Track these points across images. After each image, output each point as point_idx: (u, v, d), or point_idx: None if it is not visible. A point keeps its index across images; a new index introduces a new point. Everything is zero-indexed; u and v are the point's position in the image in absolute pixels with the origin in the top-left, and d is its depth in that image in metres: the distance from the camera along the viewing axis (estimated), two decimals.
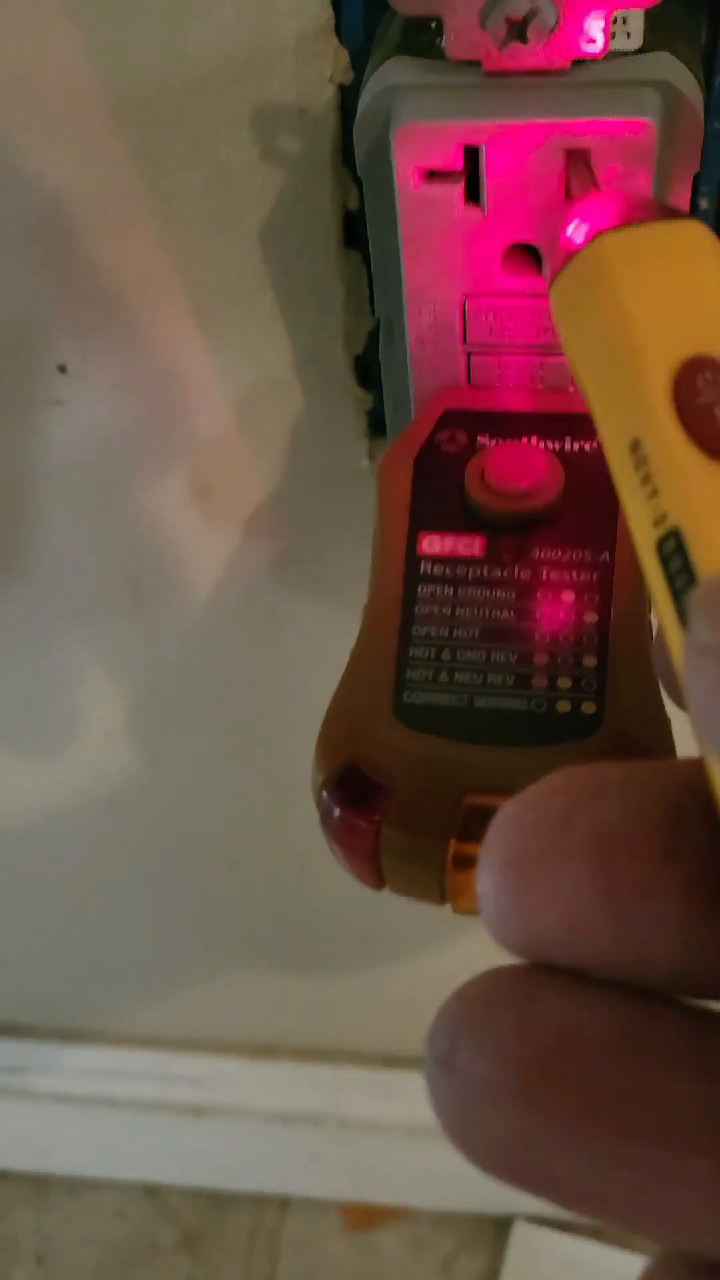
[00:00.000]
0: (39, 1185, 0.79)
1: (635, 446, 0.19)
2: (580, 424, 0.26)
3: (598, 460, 0.21)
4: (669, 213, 0.21)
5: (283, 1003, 0.65)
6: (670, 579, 0.18)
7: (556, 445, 0.26)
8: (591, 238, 0.20)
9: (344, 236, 0.31)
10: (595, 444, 0.21)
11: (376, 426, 0.36)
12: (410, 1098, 0.67)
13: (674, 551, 0.18)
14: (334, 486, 0.37)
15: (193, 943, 0.62)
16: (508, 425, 0.27)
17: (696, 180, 0.28)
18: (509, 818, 0.14)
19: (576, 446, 0.26)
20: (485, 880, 0.14)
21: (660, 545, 0.18)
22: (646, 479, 0.18)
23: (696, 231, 0.21)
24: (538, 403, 0.27)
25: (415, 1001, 0.58)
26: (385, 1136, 0.69)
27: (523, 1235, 0.73)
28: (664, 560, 0.18)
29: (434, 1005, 0.14)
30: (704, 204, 0.30)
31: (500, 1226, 0.74)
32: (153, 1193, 0.78)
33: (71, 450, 0.38)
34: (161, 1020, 0.69)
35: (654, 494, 0.18)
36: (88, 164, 0.30)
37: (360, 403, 0.35)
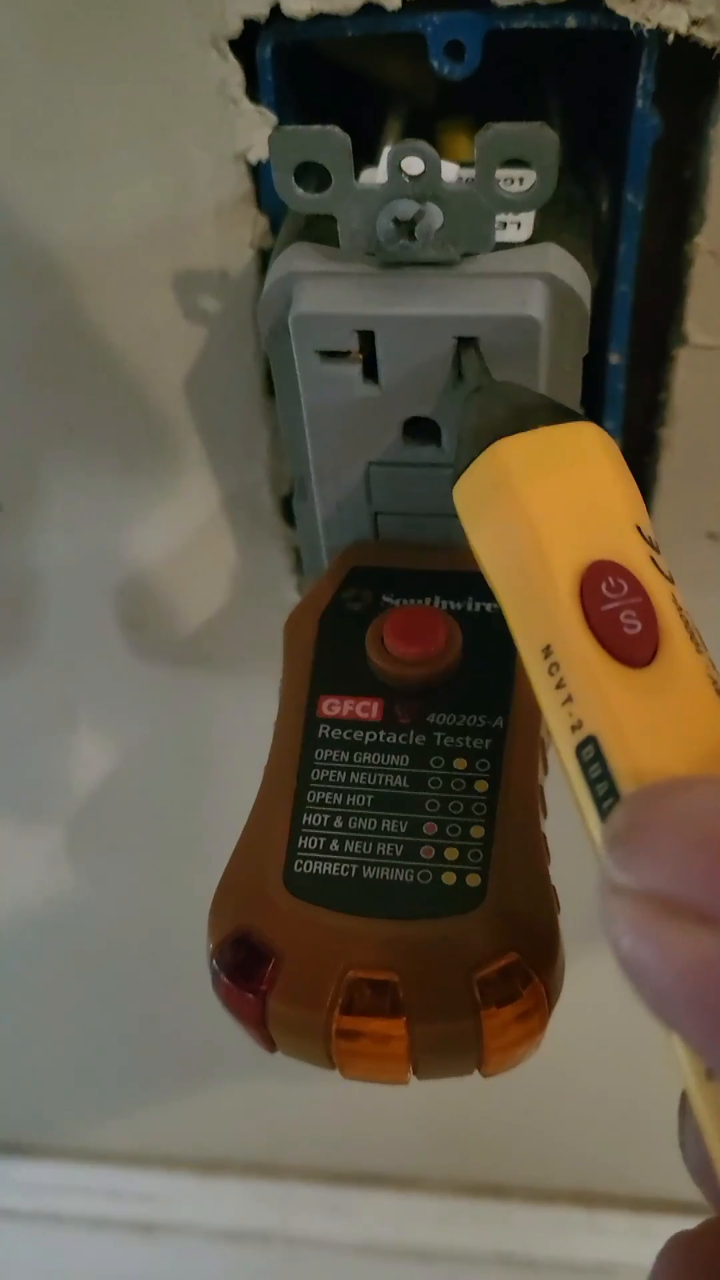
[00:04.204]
0: None
1: (547, 651, 0.19)
2: (482, 584, 0.27)
3: (498, 621, 0.21)
4: (562, 414, 0.22)
5: (231, 1118, 0.64)
6: (591, 785, 0.18)
7: (459, 605, 0.27)
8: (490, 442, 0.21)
9: (268, 385, 0.32)
10: (496, 605, 0.21)
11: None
12: (359, 1215, 0.66)
13: (593, 758, 0.18)
14: (264, 620, 0.38)
15: (140, 1058, 0.62)
16: (413, 584, 0.27)
17: (597, 350, 0.29)
18: None
19: (478, 607, 0.26)
20: None
21: (579, 751, 0.18)
22: (561, 684, 0.19)
23: (588, 432, 0.21)
24: (443, 561, 0.27)
25: (364, 1118, 0.57)
26: (333, 1254, 0.68)
27: None
28: (584, 766, 0.18)
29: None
30: (614, 359, 0.31)
31: None
32: None
33: (2, 585, 0.38)
34: (109, 1135, 0.68)
35: (569, 699, 0.19)
36: (16, 321, 0.31)
37: (288, 540, 0.36)
